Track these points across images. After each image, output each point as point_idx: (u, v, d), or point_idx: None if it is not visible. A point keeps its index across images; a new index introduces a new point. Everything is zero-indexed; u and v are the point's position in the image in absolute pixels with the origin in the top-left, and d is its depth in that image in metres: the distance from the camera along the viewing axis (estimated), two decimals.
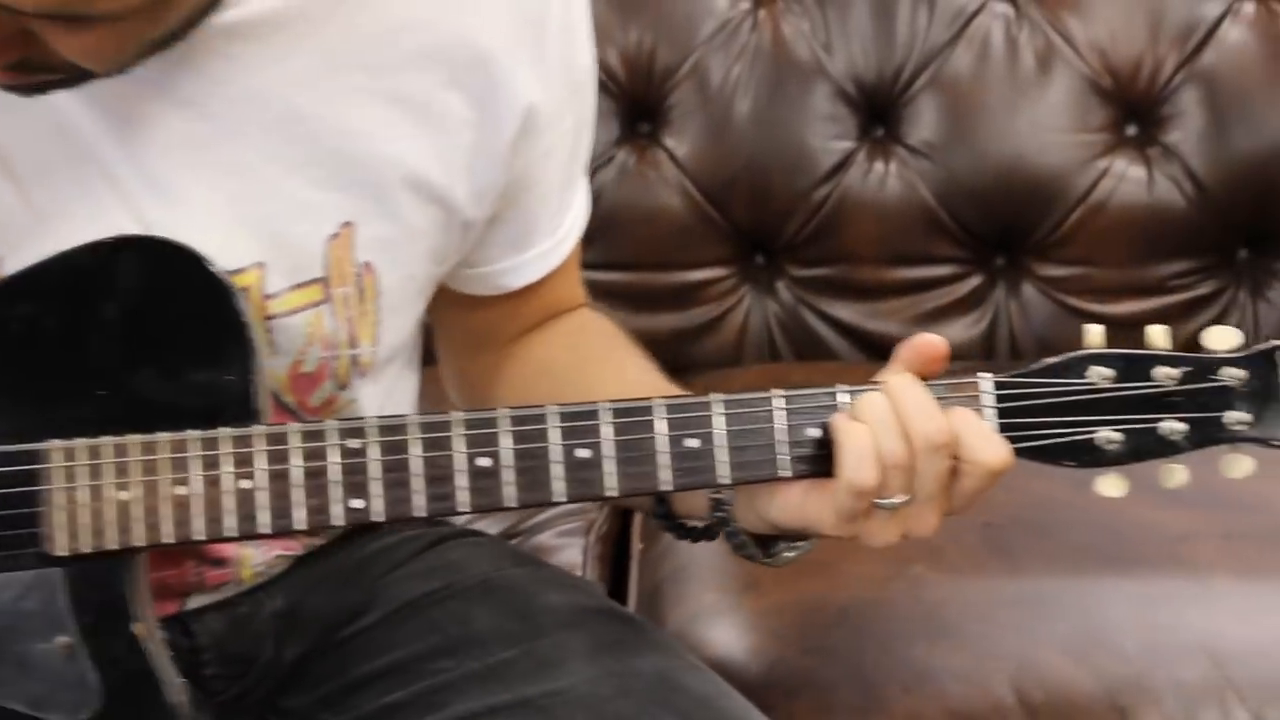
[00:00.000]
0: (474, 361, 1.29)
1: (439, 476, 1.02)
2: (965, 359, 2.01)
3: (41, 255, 1.05)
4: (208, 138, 1.08)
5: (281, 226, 1.10)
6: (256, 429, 1.03)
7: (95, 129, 1.06)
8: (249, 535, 1.04)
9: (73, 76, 1.00)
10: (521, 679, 1.14)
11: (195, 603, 1.19)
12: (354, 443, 1.02)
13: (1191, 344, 1.05)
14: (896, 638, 1.52)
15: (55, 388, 1.05)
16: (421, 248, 1.16)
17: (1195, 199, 2.06)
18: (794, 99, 2.06)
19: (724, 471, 1.04)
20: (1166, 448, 1.05)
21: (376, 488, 1.02)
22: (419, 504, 1.03)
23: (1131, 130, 2.08)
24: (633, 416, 1.03)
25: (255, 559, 1.20)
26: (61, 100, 1.04)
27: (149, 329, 1.05)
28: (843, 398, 1.04)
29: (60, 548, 1.02)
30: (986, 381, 1.04)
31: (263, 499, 1.02)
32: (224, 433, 1.03)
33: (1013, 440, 1.04)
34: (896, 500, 1.02)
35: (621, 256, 2.08)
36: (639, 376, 1.20)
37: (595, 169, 2.05)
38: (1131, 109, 2.08)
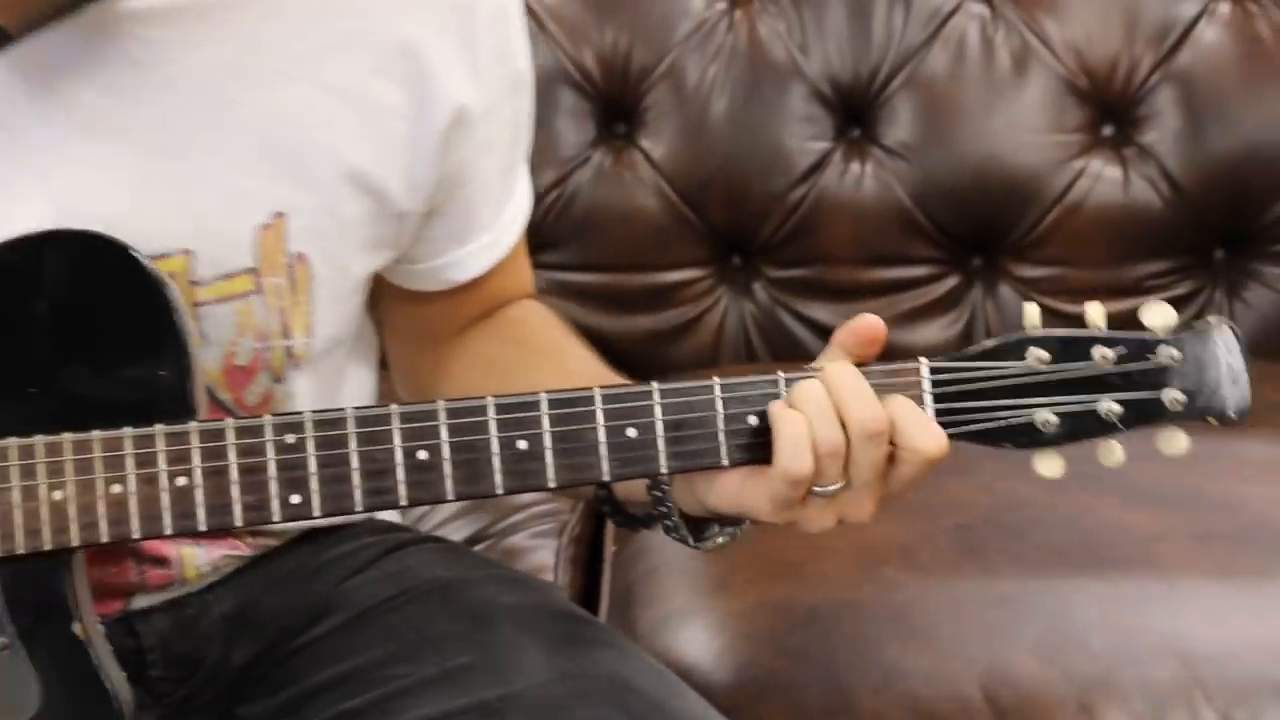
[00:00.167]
0: (421, 357, 1.29)
1: (377, 470, 1.02)
2: None
3: None
4: (129, 122, 1.08)
5: (210, 214, 1.10)
6: (192, 425, 1.02)
7: (12, 95, 1.06)
8: (187, 533, 1.03)
9: None
10: (477, 683, 1.13)
11: (141, 603, 1.19)
12: (291, 437, 1.02)
13: (1132, 322, 1.06)
14: (867, 639, 1.52)
15: None
16: (356, 239, 1.16)
17: (1171, 199, 2.06)
18: (770, 100, 2.06)
19: (664, 460, 1.04)
20: (1105, 428, 1.05)
21: (314, 483, 1.02)
22: (358, 499, 1.02)
23: (1107, 131, 2.08)
24: (572, 407, 1.03)
25: (199, 558, 1.20)
26: None
27: (79, 324, 1.05)
28: (782, 386, 1.04)
29: None
30: (925, 367, 1.05)
31: (200, 496, 1.02)
32: (159, 430, 1.02)
33: (951, 424, 1.04)
34: (833, 487, 1.02)
35: (598, 258, 2.08)
36: (581, 367, 1.19)
37: (571, 170, 2.06)
38: (1107, 109, 2.08)
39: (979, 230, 2.08)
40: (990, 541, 1.63)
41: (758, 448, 1.04)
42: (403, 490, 1.03)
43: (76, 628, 1.04)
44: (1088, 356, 1.04)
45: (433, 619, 1.19)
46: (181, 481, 1.02)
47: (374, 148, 1.13)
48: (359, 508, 1.03)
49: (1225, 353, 1.05)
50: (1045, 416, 1.05)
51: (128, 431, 1.02)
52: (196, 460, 1.02)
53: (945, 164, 2.06)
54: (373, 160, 1.13)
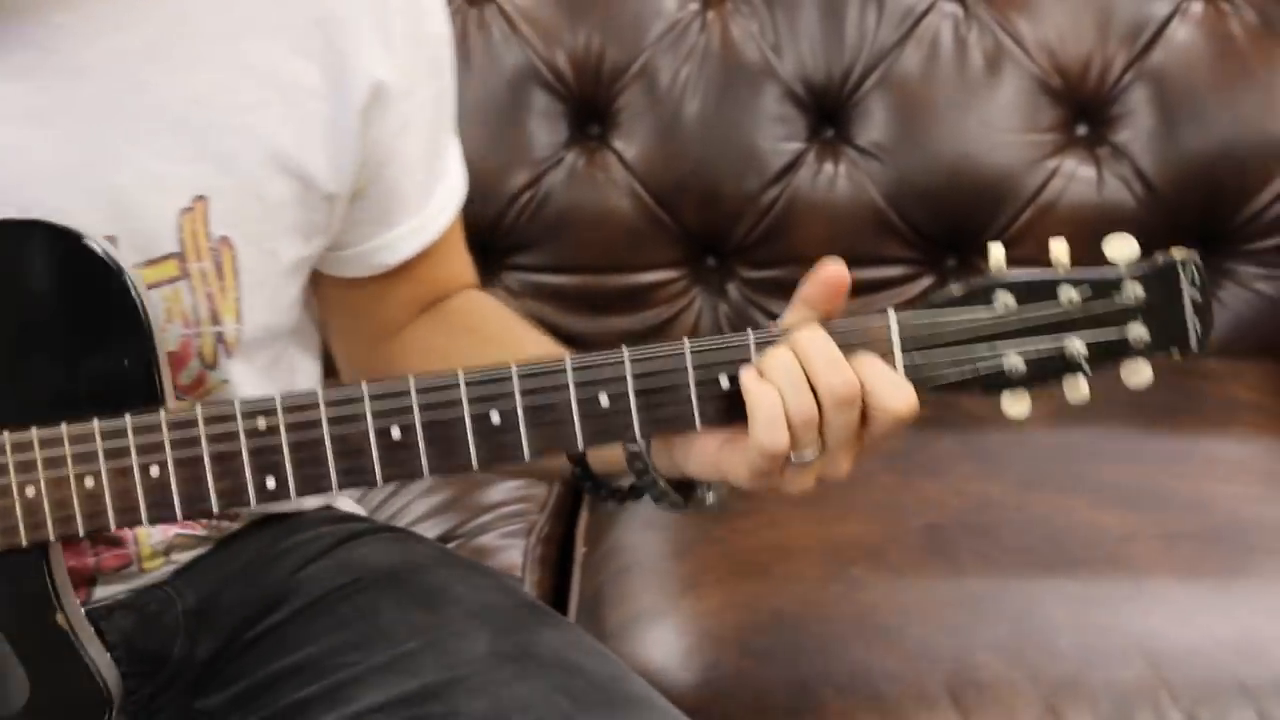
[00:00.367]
0: (373, 355, 1.29)
1: (351, 450, 1.02)
2: None
3: None
4: (45, 109, 1.08)
5: (130, 199, 1.10)
6: (162, 414, 1.02)
7: None
8: (164, 521, 1.03)
9: None
10: (425, 668, 1.14)
11: (102, 594, 1.19)
12: (262, 422, 1.02)
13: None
14: (834, 639, 1.52)
15: None
16: (283, 223, 1.16)
17: (1145, 198, 2.06)
18: (743, 100, 2.06)
19: (637, 425, 1.04)
20: (1071, 368, 1.06)
21: (289, 466, 1.02)
22: (333, 479, 1.02)
23: (1081, 130, 2.08)
24: (542, 377, 1.03)
25: (154, 537, 1.20)
26: None
27: (38, 317, 1.04)
28: (751, 346, 1.04)
29: None
30: (892, 319, 1.05)
31: (174, 485, 1.02)
32: (128, 421, 1.02)
33: (921, 379, 1.04)
34: (810, 456, 1.03)
35: (571, 259, 2.08)
36: (538, 351, 1.19)
37: (544, 171, 2.05)
38: (1081, 109, 2.07)
39: (953, 230, 2.08)
40: (959, 542, 1.63)
41: (730, 410, 1.04)
42: (378, 468, 1.02)
43: (59, 618, 1.04)
44: (1054, 296, 1.05)
45: (383, 607, 1.20)
46: (155, 471, 1.02)
47: (295, 129, 1.14)
48: (335, 488, 1.03)
49: (1188, 286, 1.06)
50: (1013, 362, 1.05)
51: (98, 424, 1.02)
52: (168, 450, 1.02)
53: (919, 164, 2.06)
54: (294, 142, 1.14)
